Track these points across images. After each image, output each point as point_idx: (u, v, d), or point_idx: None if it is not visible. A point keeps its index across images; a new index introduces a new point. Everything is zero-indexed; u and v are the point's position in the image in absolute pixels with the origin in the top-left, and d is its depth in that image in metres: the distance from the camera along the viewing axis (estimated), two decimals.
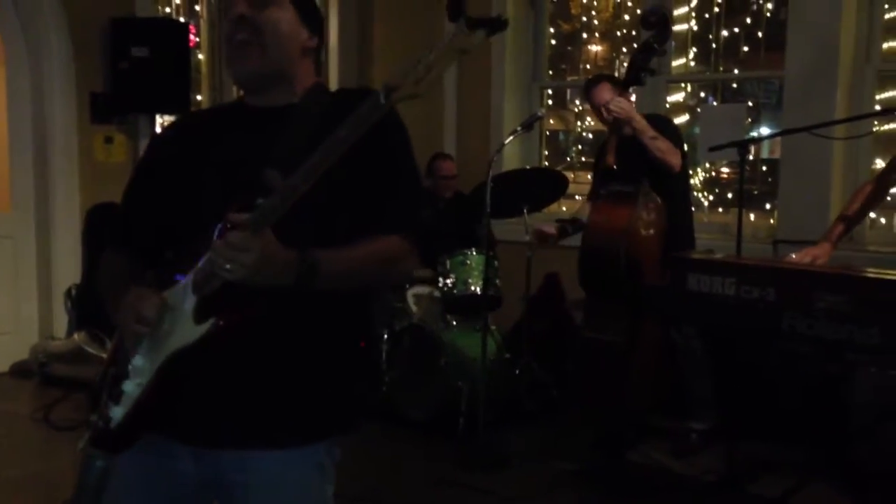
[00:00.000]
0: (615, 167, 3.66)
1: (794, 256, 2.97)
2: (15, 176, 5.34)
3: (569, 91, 6.02)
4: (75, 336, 5.06)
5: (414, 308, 4.56)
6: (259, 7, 1.60)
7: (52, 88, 5.25)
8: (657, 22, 3.72)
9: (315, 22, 1.70)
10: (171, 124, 1.86)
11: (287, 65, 1.64)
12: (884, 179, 3.19)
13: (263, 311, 1.46)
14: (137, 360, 1.55)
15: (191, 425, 1.54)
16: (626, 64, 5.44)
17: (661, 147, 3.68)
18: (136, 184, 1.77)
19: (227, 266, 1.36)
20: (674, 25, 5.08)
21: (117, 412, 1.55)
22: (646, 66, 3.69)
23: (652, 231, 3.71)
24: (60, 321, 5.34)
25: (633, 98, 3.93)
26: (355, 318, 1.66)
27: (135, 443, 1.57)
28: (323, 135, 1.40)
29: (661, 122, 3.93)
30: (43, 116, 5.28)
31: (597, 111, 3.98)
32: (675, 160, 3.70)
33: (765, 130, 5.15)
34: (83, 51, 5.30)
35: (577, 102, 6.07)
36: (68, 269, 5.38)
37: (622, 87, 3.78)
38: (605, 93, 3.87)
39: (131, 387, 1.55)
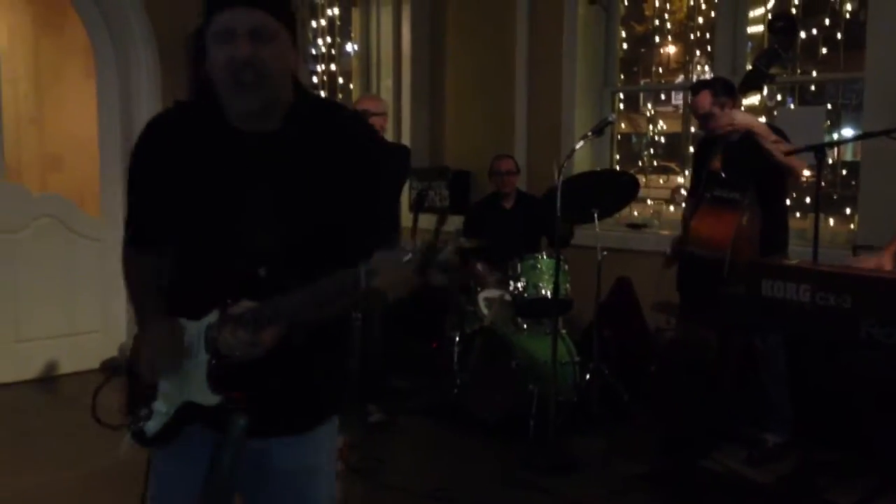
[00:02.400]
0: (722, 173, 3.64)
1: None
2: (105, 182, 5.60)
3: (641, 94, 5.99)
4: None
5: (485, 311, 4.61)
6: (262, 43, 1.61)
7: (140, 97, 5.49)
8: (784, 27, 3.65)
9: (296, 36, 1.71)
10: (152, 132, 1.80)
11: (282, 92, 1.70)
12: None
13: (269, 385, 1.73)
14: (163, 385, 1.79)
15: (218, 426, 1.74)
16: (699, 67, 5.40)
17: (785, 150, 3.62)
18: (143, 190, 1.82)
19: (237, 353, 1.63)
20: (749, 26, 5.02)
21: (151, 427, 1.79)
22: (767, 73, 3.60)
23: (752, 239, 3.66)
24: None
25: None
26: (335, 334, 1.88)
27: (172, 441, 1.79)
28: (306, 165, 1.68)
29: (778, 130, 3.88)
30: (131, 125, 5.50)
31: (696, 117, 3.96)
32: (797, 164, 3.66)
33: (846, 132, 5.03)
34: (168, 61, 5.52)
35: (650, 105, 6.03)
36: None
37: (740, 91, 3.72)
38: (704, 101, 3.84)
39: (160, 407, 1.79)
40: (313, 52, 6.83)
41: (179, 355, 1.73)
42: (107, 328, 5.57)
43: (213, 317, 1.69)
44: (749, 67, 3.80)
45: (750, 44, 5.09)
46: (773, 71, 3.63)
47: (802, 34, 4.90)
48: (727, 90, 3.82)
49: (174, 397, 1.77)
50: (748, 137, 3.67)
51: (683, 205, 4.42)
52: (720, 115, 3.71)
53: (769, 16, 4.99)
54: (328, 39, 6.99)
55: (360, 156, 1.73)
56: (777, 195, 3.85)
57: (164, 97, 5.53)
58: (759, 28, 5.04)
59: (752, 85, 3.66)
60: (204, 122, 1.73)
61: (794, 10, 4.93)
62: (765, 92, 3.74)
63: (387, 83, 6.64)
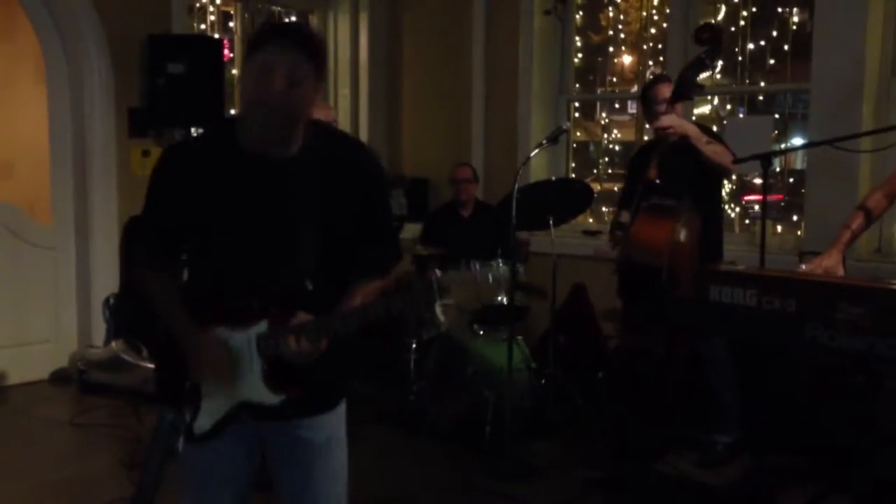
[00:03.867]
0: (658, 181, 3.71)
1: (803, 267, 2.97)
2: (56, 190, 5.50)
3: (598, 103, 6.06)
4: (113, 344, 5.19)
5: (441, 318, 4.61)
6: (294, 87, 1.77)
7: (92, 104, 5.41)
8: (710, 38, 3.73)
9: (324, 67, 1.86)
10: (175, 152, 2.02)
11: (303, 123, 1.88)
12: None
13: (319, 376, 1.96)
14: (214, 384, 1.95)
15: (266, 417, 1.98)
16: (653, 76, 5.48)
17: (717, 150, 3.73)
18: (160, 205, 1.99)
19: (297, 360, 1.86)
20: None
21: (203, 423, 1.96)
22: (695, 82, 3.70)
23: (690, 245, 3.73)
24: (98, 330, 5.49)
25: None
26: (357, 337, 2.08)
27: (216, 438, 1.98)
28: (325, 185, 1.88)
29: (705, 129, 3.98)
30: (83, 132, 5.44)
31: (654, 109, 3.96)
32: (727, 161, 3.75)
33: (796, 142, 5.15)
34: (121, 67, 5.45)
35: (605, 114, 6.11)
36: (106, 280, 5.52)
37: (671, 102, 3.79)
38: (666, 90, 3.89)
39: (211, 406, 1.96)
40: None
41: (232, 364, 1.91)
42: (57, 338, 5.47)
43: (262, 327, 1.90)
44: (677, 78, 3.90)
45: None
46: (700, 80, 3.73)
47: (751, 45, 5.02)
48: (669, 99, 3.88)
49: (227, 398, 1.95)
50: (682, 143, 3.75)
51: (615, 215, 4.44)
52: (671, 110, 3.77)
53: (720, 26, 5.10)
54: None
55: (373, 178, 2.00)
56: (712, 201, 3.93)
57: (116, 103, 5.46)
58: None
59: (681, 95, 3.74)
60: (223, 148, 1.90)
61: (742, 22, 5.05)
62: (694, 100, 3.83)
63: (344, 92, 6.64)
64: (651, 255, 3.62)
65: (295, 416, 2.01)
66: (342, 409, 2.14)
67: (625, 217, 3.96)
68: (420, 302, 1.77)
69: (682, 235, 3.67)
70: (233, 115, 1.97)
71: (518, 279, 1.63)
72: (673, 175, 3.70)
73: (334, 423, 2.11)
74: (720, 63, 4.97)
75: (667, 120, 3.72)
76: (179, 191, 1.93)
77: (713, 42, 3.73)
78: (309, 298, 1.90)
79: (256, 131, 1.84)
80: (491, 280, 1.67)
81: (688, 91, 3.73)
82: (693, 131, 3.74)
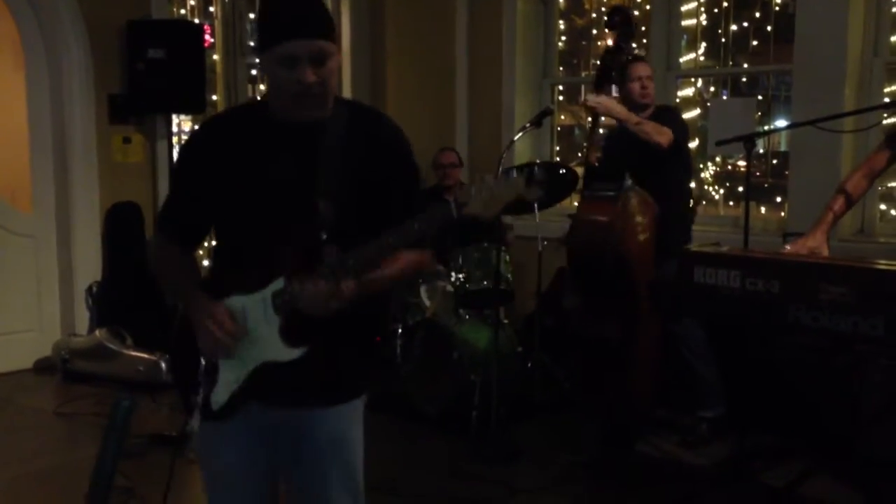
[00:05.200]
0: (597, 164, 3.76)
1: (788, 248, 2.99)
2: (36, 177, 5.45)
3: (582, 87, 6.05)
4: (96, 333, 5.17)
5: (427, 303, 4.62)
6: (321, 64, 1.78)
7: (71, 91, 5.36)
8: (620, 21, 3.86)
9: (336, 31, 1.87)
10: (204, 130, 2.00)
11: (334, 92, 1.87)
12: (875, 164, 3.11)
13: (336, 334, 1.89)
14: (222, 357, 1.89)
15: (282, 395, 1.92)
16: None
17: (647, 129, 3.77)
18: (183, 188, 1.99)
19: (317, 309, 1.77)
20: (683, 20, 5.12)
21: (219, 397, 1.90)
22: (614, 66, 3.84)
23: (639, 228, 3.75)
24: (82, 318, 5.46)
25: (616, 94, 4.01)
26: (379, 313, 2.09)
27: (236, 413, 1.91)
28: (351, 151, 1.86)
29: (666, 113, 4.01)
30: (62, 118, 5.39)
31: (640, 87, 4.00)
32: (661, 139, 3.77)
33: (780, 123, 5.17)
34: (100, 53, 5.40)
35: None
36: (89, 267, 5.49)
37: (595, 89, 3.90)
38: (641, 68, 4.00)
39: (228, 377, 1.90)
40: (252, 45, 6.74)
41: (239, 335, 1.85)
42: (41, 327, 5.43)
43: (277, 284, 1.82)
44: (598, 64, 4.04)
45: (686, 36, 5.19)
46: (620, 64, 3.88)
47: (734, 27, 5.03)
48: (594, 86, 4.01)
49: (245, 363, 1.88)
50: (620, 128, 3.83)
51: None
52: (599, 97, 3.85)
53: (702, 9, 5.11)
54: None
55: (396, 138, 1.99)
56: (667, 185, 3.93)
57: (96, 90, 5.41)
58: (693, 21, 5.15)
59: (602, 82, 3.88)
60: (255, 119, 1.90)
61: (725, 4, 5.05)
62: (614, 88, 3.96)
63: None
64: (592, 242, 3.66)
65: (314, 403, 1.94)
66: (360, 403, 2.06)
67: None
68: (438, 219, 1.70)
69: (625, 220, 3.69)
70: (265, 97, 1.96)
71: (535, 175, 1.61)
72: (614, 158, 3.75)
73: (352, 417, 2.03)
74: (685, 39, 5.05)
75: (591, 100, 3.79)
76: (208, 164, 1.91)
77: (624, 25, 3.85)
78: (323, 252, 1.81)
79: (301, 113, 1.83)
80: (506, 184, 1.62)
81: (609, 77, 3.85)
82: (620, 112, 3.78)
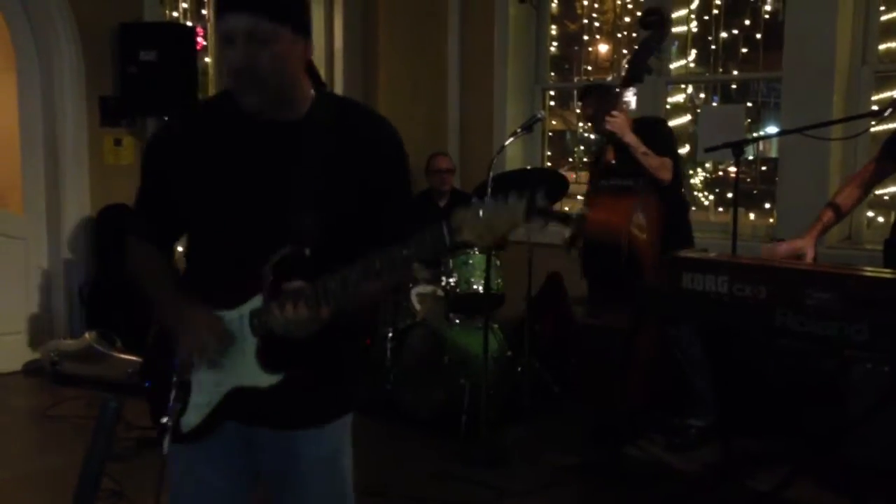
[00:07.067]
0: (614, 162, 3.79)
1: (774, 245, 3.03)
2: (27, 179, 5.44)
3: (574, 93, 6.08)
4: (86, 335, 5.15)
5: (417, 307, 4.63)
6: (259, 47, 1.63)
7: (63, 93, 5.35)
8: (655, 22, 3.85)
9: (309, 26, 1.74)
10: (170, 126, 1.87)
11: (288, 89, 1.72)
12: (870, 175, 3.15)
13: (319, 358, 1.77)
14: (202, 375, 1.78)
15: (260, 419, 1.81)
16: (625, 64, 5.52)
17: (653, 164, 3.82)
18: (152, 187, 1.86)
19: (293, 332, 1.64)
20: (674, 27, 5.15)
21: (190, 420, 1.79)
22: (644, 65, 3.83)
23: (650, 226, 3.79)
24: (72, 321, 5.44)
25: (633, 97, 4.07)
26: (366, 324, 1.98)
27: (209, 435, 1.80)
28: (333, 154, 1.70)
29: (653, 126, 4.03)
30: (54, 121, 5.38)
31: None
32: (665, 175, 3.83)
33: (770, 130, 5.20)
34: (92, 56, 5.40)
35: (580, 104, 6.12)
36: (79, 270, 5.48)
37: (622, 85, 3.91)
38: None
39: (199, 400, 1.79)
40: None
41: (226, 342, 1.72)
42: (31, 329, 5.42)
43: (255, 302, 1.70)
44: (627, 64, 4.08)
45: (676, 43, 5.23)
46: (650, 63, 3.88)
47: (724, 34, 5.06)
48: (620, 83, 4.03)
49: (218, 387, 1.77)
50: (636, 130, 3.87)
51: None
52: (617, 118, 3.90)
53: (692, 16, 5.14)
54: None
55: (386, 148, 1.81)
56: (671, 187, 3.97)
57: (88, 92, 5.41)
58: (683, 28, 5.18)
59: (632, 78, 3.89)
60: (223, 115, 1.76)
61: (715, 11, 5.09)
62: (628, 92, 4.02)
63: None
64: (611, 234, 3.69)
65: (297, 425, 1.81)
66: (348, 420, 1.93)
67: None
68: (429, 246, 1.54)
69: (642, 216, 3.74)
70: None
71: (538, 204, 1.46)
72: (630, 158, 3.79)
73: (340, 436, 1.91)
74: (675, 46, 5.09)
75: (610, 121, 3.85)
76: (174, 163, 1.79)
77: (658, 26, 3.86)
78: (308, 268, 1.67)
79: (240, 99, 1.69)
80: (504, 213, 1.47)
81: (639, 74, 3.86)
82: (632, 141, 3.83)
